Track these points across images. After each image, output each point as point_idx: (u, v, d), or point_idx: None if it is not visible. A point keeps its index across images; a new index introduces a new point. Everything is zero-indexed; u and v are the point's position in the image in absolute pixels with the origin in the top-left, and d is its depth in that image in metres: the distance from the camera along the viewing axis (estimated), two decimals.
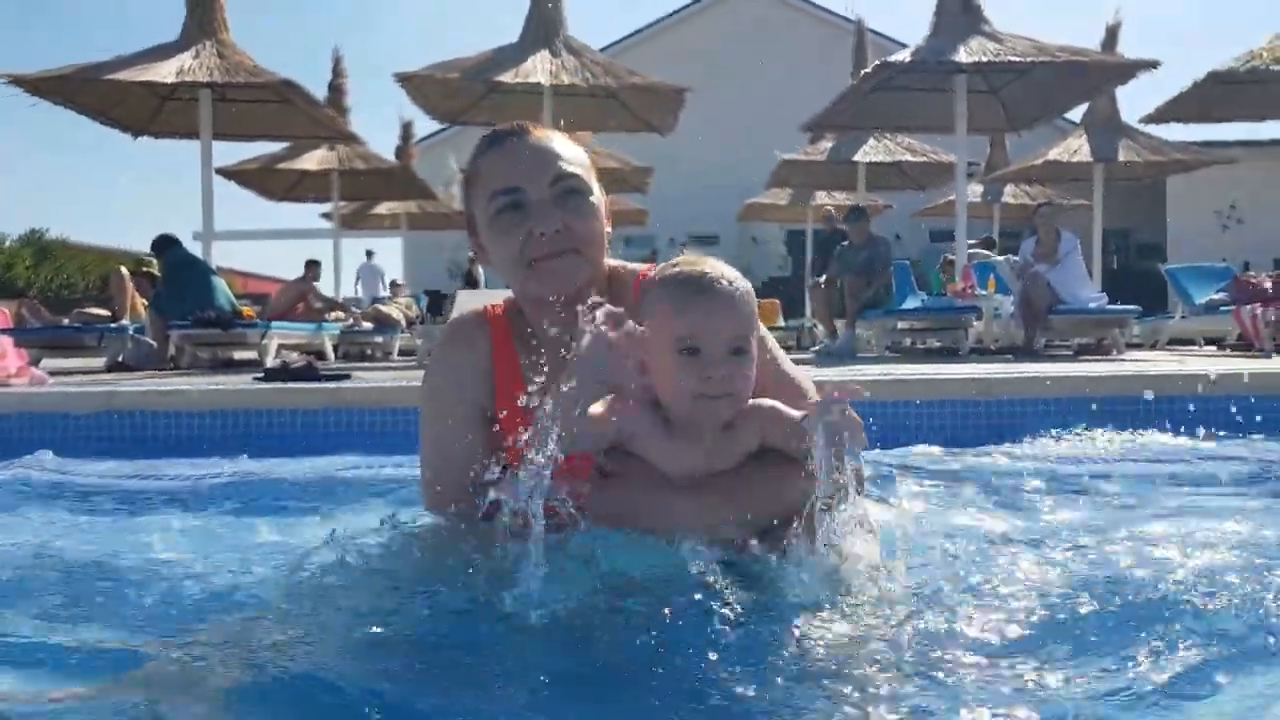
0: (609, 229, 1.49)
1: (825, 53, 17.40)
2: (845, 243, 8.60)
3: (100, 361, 8.43)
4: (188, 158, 12.48)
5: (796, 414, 1.34)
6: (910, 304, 9.00)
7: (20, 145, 61.57)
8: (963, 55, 8.08)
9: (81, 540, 2.01)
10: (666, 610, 1.17)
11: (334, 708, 1.02)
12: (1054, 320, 7.75)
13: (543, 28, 8.92)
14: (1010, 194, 16.29)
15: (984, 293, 8.63)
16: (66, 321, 9.21)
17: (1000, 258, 9.54)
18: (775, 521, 1.33)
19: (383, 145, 18.73)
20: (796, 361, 1.60)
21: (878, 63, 8.58)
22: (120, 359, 8.19)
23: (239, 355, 8.59)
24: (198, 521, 2.18)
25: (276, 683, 1.05)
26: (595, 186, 1.45)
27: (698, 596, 1.19)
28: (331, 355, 9.52)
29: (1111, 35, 12.02)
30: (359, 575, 1.41)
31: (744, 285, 1.36)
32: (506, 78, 8.25)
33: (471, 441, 1.50)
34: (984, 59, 8.07)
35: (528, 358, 1.51)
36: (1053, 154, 12.28)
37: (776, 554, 1.28)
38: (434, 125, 15.44)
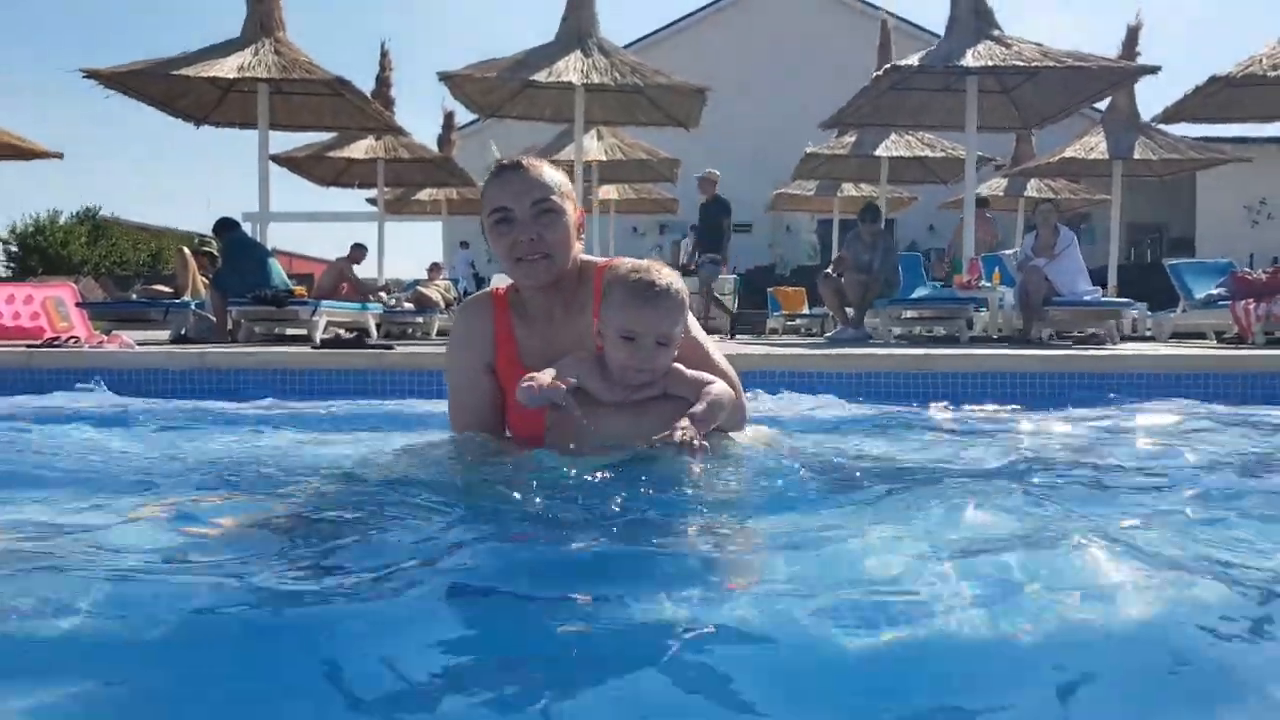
0: (581, 237, 2.10)
1: (859, 42, 17.68)
2: (853, 235, 9.12)
3: (165, 334, 9.20)
4: (230, 141, 13.14)
5: (689, 374, 1.97)
6: (918, 294, 9.50)
7: (75, 126, 63.60)
8: (970, 60, 8.54)
9: (200, 439, 2.76)
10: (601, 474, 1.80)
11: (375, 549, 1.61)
12: (1051, 311, 8.22)
13: (576, 29, 9.51)
14: (1034, 188, 16.59)
15: (987, 284, 9.11)
16: (134, 297, 10.02)
17: (1007, 252, 9.99)
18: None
19: (426, 131, 19.49)
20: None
21: (888, 65, 9.07)
22: (184, 332, 8.94)
23: (290, 331, 9.32)
24: (274, 440, 2.91)
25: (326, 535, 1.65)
26: (568, 206, 2.05)
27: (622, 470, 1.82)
28: (374, 333, 10.22)
29: (1132, 35, 12.36)
30: (406, 467, 2.08)
31: (680, 294, 1.94)
32: (540, 77, 8.86)
33: (479, 385, 2.15)
34: (990, 63, 8.52)
35: (520, 325, 2.14)
36: (1069, 151, 12.63)
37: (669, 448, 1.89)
38: None
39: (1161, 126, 12.50)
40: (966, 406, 4.06)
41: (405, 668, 1.05)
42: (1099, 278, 13.44)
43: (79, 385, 4.49)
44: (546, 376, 1.87)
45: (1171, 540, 1.57)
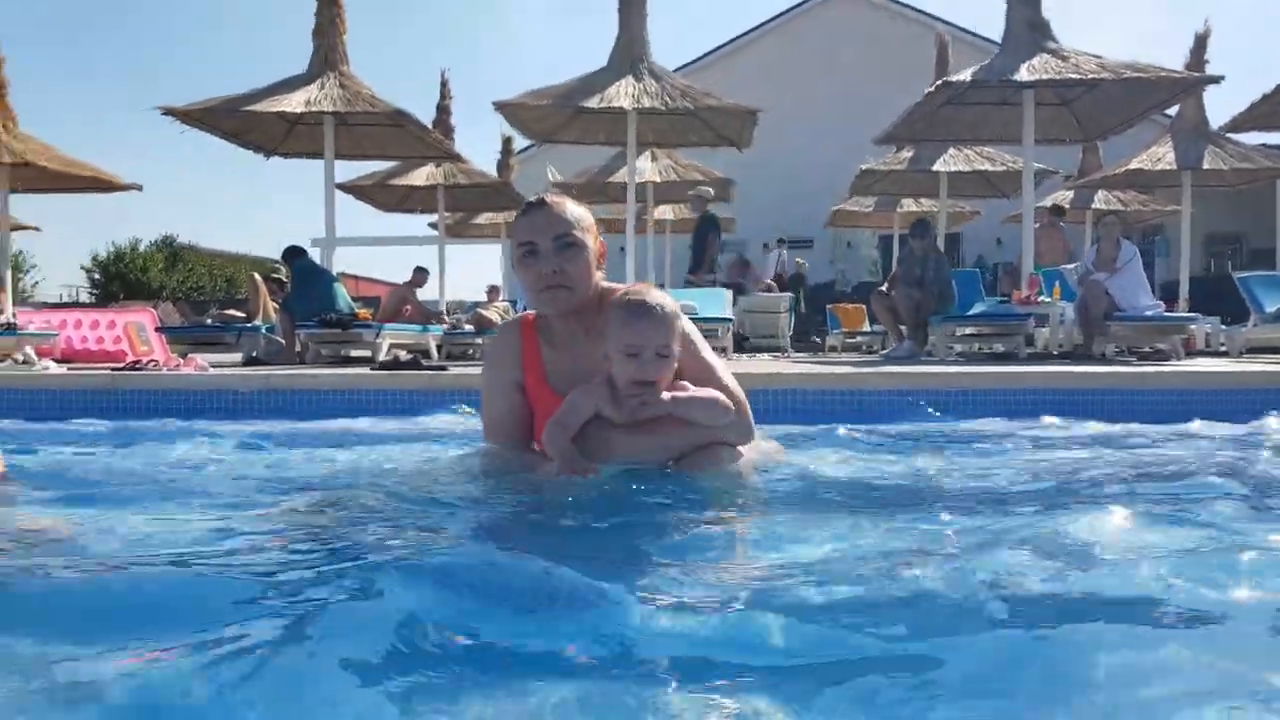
0: (602, 267, 2.21)
1: (920, 54, 17.52)
2: (906, 251, 9.06)
3: (237, 357, 9.56)
4: (298, 170, 13.64)
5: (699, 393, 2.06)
6: (976, 310, 9.39)
7: (153, 159, 66.59)
8: (1024, 74, 8.45)
9: (256, 459, 2.95)
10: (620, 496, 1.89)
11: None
12: (1112, 327, 8.05)
13: (628, 54, 9.66)
14: (1101, 199, 16.26)
15: (1046, 299, 8.97)
16: (209, 321, 10.44)
17: (1068, 266, 9.82)
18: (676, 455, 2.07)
19: (485, 155, 19.91)
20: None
21: (941, 81, 9.02)
22: (254, 355, 9.29)
23: (355, 353, 9.61)
24: (328, 450, 3.13)
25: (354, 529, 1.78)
26: (589, 240, 2.17)
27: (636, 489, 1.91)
28: (435, 354, 10.46)
29: (1200, 43, 12.07)
30: (444, 474, 2.27)
31: (671, 309, 2.08)
32: (592, 103, 9.02)
33: (510, 402, 2.30)
34: (1045, 76, 8.43)
35: (547, 348, 2.26)
36: (1136, 162, 12.39)
37: (681, 471, 2.01)
38: None
39: (1232, 135, 12.20)
40: (969, 422, 4.10)
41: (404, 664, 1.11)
42: (1171, 291, 13.13)
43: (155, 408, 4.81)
44: (569, 460, 2.06)
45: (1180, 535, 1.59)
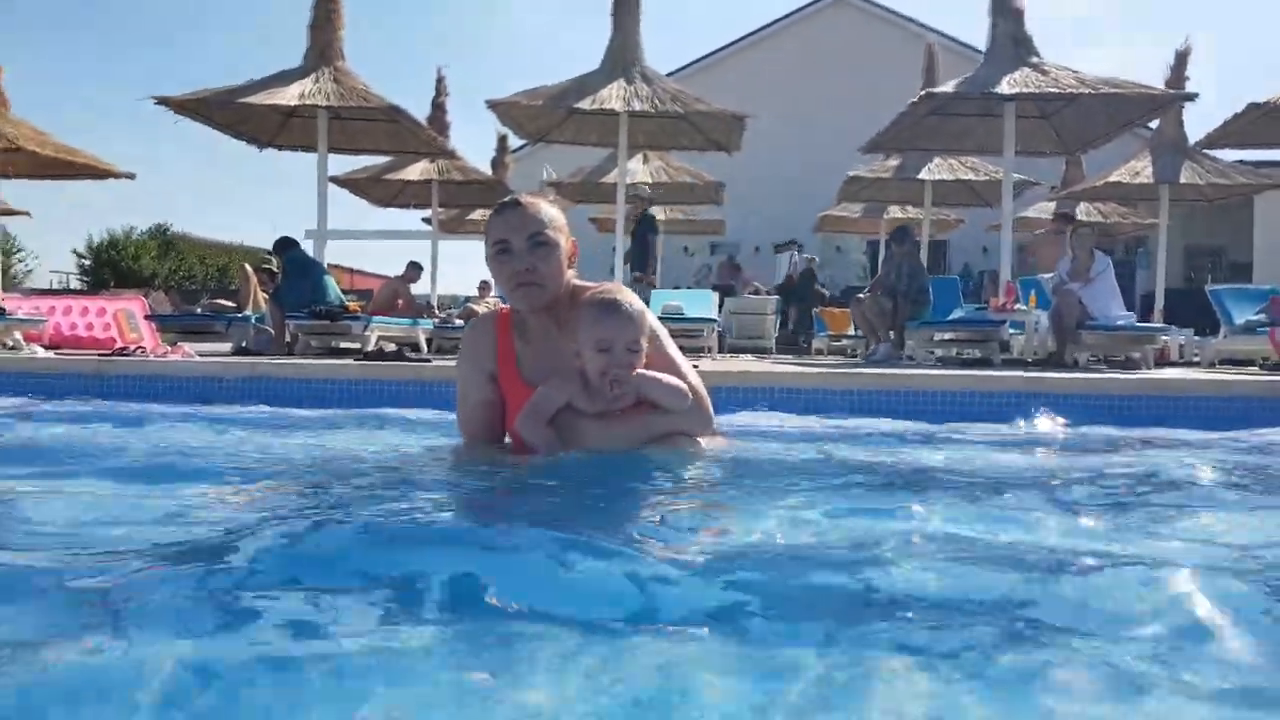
0: (573, 265, 2.38)
1: (908, 62, 17.70)
2: (886, 256, 9.28)
3: (227, 346, 9.69)
4: (292, 162, 13.69)
5: (661, 376, 2.24)
6: (954, 316, 9.61)
7: (146, 147, 66.40)
8: (1005, 87, 8.66)
9: (240, 439, 3.11)
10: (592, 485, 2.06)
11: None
12: (1084, 335, 8.28)
13: (621, 57, 9.84)
14: (1084, 211, 16.51)
15: (1023, 307, 9.19)
16: (200, 310, 10.58)
17: (1045, 275, 10.05)
18: (641, 444, 2.26)
19: (481, 152, 20.05)
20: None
21: (924, 92, 9.23)
22: (244, 345, 9.41)
23: (344, 344, 9.76)
24: (311, 439, 3.29)
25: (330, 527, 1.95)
26: (561, 239, 2.32)
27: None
28: (425, 347, 10.62)
29: (1181, 60, 12.30)
30: (416, 466, 2.39)
31: (639, 307, 2.26)
32: (584, 105, 9.20)
33: (483, 393, 2.45)
34: (1025, 90, 8.64)
35: (520, 342, 2.43)
36: (1115, 175, 12.62)
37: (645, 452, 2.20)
38: None
39: (1210, 152, 12.44)
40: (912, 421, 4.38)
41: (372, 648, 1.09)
42: (1149, 302, 13.35)
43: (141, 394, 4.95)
44: (544, 444, 2.25)
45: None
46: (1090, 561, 1.46)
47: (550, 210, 2.34)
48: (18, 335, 9.43)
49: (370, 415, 4.05)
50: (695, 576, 1.36)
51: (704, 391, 2.39)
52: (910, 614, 1.23)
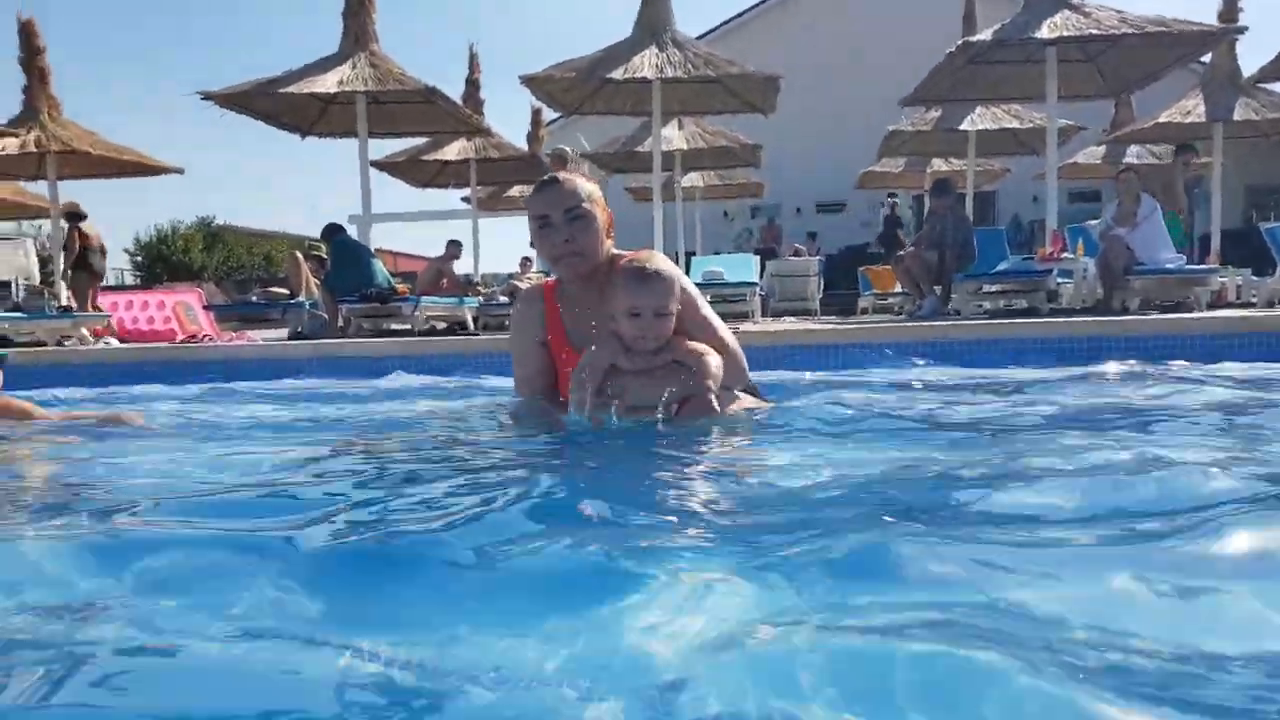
0: (610, 235, 2.47)
1: (947, 10, 17.28)
2: (928, 211, 9.20)
3: (283, 332, 9.96)
4: (329, 148, 13.87)
5: (689, 344, 2.38)
6: (1000, 268, 9.50)
7: (187, 140, 67.83)
8: (1045, 31, 8.50)
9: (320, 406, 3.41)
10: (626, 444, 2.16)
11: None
12: (1133, 281, 8.15)
13: (650, 24, 9.82)
14: (1134, 154, 16.12)
15: (1070, 255, 9.06)
16: (254, 299, 10.86)
17: (1093, 222, 9.86)
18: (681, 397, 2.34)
19: (516, 127, 20.14)
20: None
21: (961, 41, 9.08)
22: (299, 330, 9.68)
23: (395, 325, 9.97)
24: (382, 405, 3.63)
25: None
26: (597, 211, 2.43)
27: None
28: (471, 325, 10.79)
29: None
30: (477, 420, 2.67)
31: (668, 273, 2.35)
32: (617, 74, 9.22)
33: (534, 359, 2.61)
34: (1066, 34, 8.47)
35: (565, 310, 2.56)
36: (1165, 115, 12.28)
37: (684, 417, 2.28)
38: None
39: (1266, 85, 12.06)
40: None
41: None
42: (1206, 244, 13.03)
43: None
44: (591, 405, 2.37)
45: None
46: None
47: (586, 185, 2.44)
48: (85, 331, 9.79)
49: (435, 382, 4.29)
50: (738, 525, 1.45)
51: (737, 346, 2.53)
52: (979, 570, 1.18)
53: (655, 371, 2.36)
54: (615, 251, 2.52)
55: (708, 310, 2.52)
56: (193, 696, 0.94)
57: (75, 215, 11.36)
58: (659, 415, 2.25)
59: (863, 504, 1.61)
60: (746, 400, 2.49)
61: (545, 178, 2.48)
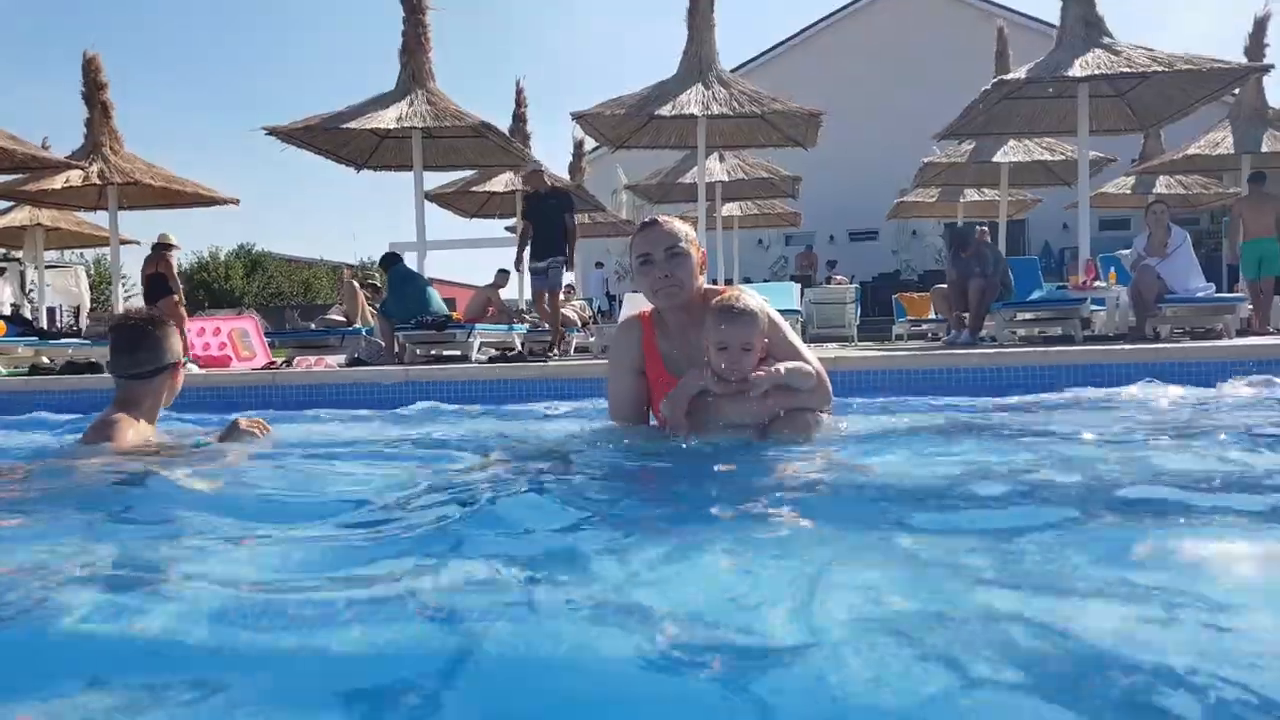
0: (704, 272, 2.83)
1: (980, 43, 17.43)
2: (950, 256, 9.51)
3: (341, 358, 10.39)
4: (370, 179, 14.41)
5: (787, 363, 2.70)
6: (1034, 297, 9.78)
7: (231, 169, 69.46)
8: (1077, 69, 8.84)
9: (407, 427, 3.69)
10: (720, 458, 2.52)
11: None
12: (1163, 309, 8.42)
13: (697, 62, 10.28)
14: (1164, 184, 16.36)
15: (1102, 284, 9.33)
16: (314, 327, 11.35)
17: (1125, 251, 10.14)
18: (768, 417, 2.69)
19: (558, 156, 20.72)
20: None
21: (996, 80, 9.44)
22: (357, 355, 10.10)
23: (448, 351, 10.37)
24: (464, 427, 3.93)
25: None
26: (692, 250, 2.77)
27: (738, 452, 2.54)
28: (520, 351, 11.19)
29: (1259, 27, 12.24)
30: (571, 445, 2.90)
31: (755, 309, 2.66)
32: (665, 111, 9.67)
33: (630, 385, 2.93)
34: (1098, 71, 8.80)
35: (662, 339, 2.89)
36: (1193, 148, 12.56)
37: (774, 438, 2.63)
38: None
39: None
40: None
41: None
42: (1236, 273, 13.21)
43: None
44: (680, 425, 2.70)
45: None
46: None
47: (683, 227, 2.80)
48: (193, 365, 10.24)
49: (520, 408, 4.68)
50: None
51: (823, 370, 2.81)
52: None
53: (742, 395, 2.67)
54: (708, 286, 2.87)
55: (794, 337, 2.83)
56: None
57: (167, 246, 11.76)
58: (750, 434, 2.59)
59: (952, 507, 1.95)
60: (826, 420, 2.83)
61: (647, 219, 2.84)
